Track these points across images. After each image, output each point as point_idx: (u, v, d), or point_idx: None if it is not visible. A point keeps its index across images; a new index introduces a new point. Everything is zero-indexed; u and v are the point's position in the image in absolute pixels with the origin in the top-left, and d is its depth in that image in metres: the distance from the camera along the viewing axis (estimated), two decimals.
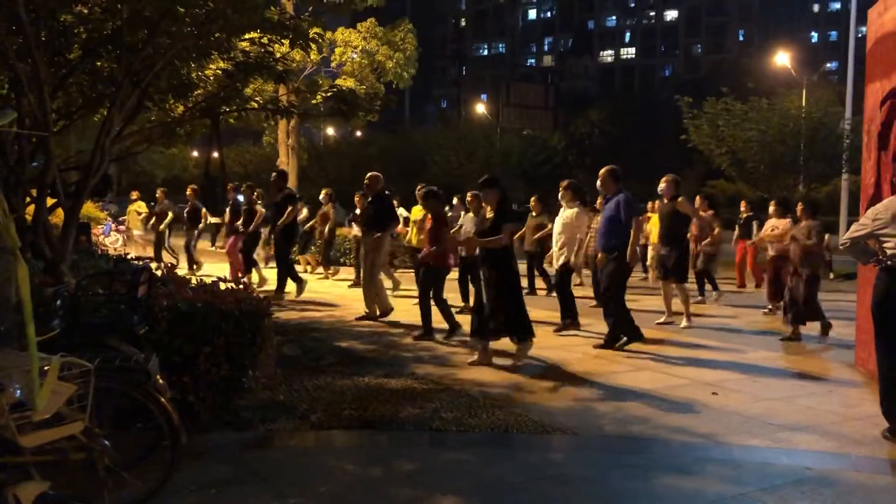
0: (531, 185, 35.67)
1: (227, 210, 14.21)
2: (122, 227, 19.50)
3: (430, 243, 8.84)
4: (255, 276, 13.12)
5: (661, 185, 9.87)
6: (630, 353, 8.17)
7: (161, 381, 3.94)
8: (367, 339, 8.65)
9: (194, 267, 14.95)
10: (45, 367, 2.94)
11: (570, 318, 9.48)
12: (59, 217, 7.32)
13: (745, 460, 4.90)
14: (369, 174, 10.50)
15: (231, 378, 5.06)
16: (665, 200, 9.96)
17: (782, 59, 31.34)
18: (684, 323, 9.97)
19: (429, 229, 8.93)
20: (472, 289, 10.23)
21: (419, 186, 10.79)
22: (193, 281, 5.75)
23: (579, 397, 6.34)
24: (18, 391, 2.86)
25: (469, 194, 11.17)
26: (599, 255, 8.49)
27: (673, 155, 38.77)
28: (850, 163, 20.19)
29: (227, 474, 4.39)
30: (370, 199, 10.47)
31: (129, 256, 8.18)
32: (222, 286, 5.47)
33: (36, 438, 2.98)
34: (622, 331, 8.32)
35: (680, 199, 9.78)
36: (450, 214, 13.87)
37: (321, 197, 15.47)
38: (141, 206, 18.51)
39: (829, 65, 52.24)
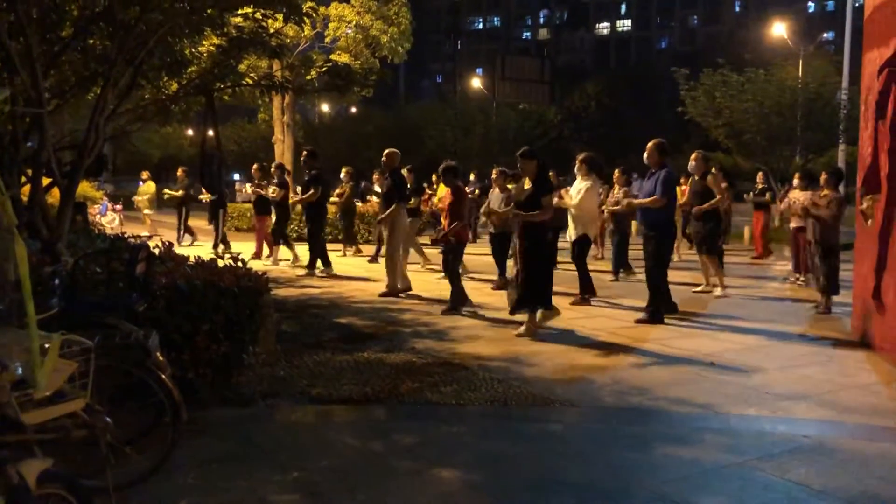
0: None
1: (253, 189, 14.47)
2: (118, 207, 19.53)
3: (448, 218, 8.87)
4: (287, 253, 13.27)
5: (691, 163, 10.10)
6: (630, 325, 8.21)
7: (161, 358, 3.95)
8: (367, 315, 8.67)
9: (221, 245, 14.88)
10: (46, 345, 2.94)
11: (587, 292, 9.64)
12: (54, 197, 7.29)
13: (742, 430, 4.94)
14: (387, 151, 10.48)
15: (231, 355, 5.07)
16: (696, 177, 10.10)
17: (779, 29, 31.15)
18: (718, 291, 10.19)
19: (448, 204, 8.94)
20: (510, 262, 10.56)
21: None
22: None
23: (578, 369, 6.37)
24: (20, 369, 2.87)
25: (494, 171, 11.21)
26: (641, 227, 8.64)
27: (670, 128, 38.63)
28: (847, 133, 20.14)
29: (229, 450, 4.42)
30: (387, 174, 10.46)
31: (125, 235, 8.17)
32: (220, 263, 5.47)
33: (38, 416, 2.99)
34: (659, 304, 8.39)
35: (711, 175, 10.14)
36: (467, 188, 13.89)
37: (342, 175, 15.48)
38: (150, 187, 18.64)
39: (826, 35, 51.82)
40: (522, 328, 7.64)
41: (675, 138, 36.49)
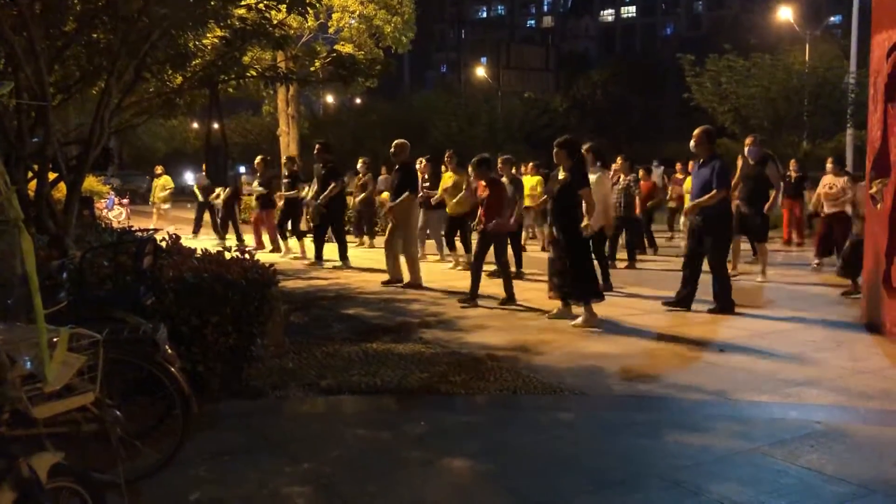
0: (534, 148, 35.44)
1: (256, 182, 14.46)
2: (124, 201, 19.60)
3: (488, 210, 8.78)
4: (282, 246, 13.29)
5: (748, 147, 9.88)
6: (638, 313, 8.18)
7: (170, 351, 3.94)
8: (375, 307, 8.66)
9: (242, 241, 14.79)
10: (54, 339, 2.93)
11: (606, 279, 9.59)
12: (61, 192, 7.30)
13: (753, 416, 4.92)
14: (396, 142, 10.36)
15: (240, 347, 5.08)
16: (751, 162, 9.91)
17: (785, 14, 30.90)
18: (760, 277, 10.14)
19: (486, 196, 8.84)
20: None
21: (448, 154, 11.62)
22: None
23: (587, 358, 6.35)
24: (28, 363, 2.86)
25: (500, 160, 11.19)
26: (696, 217, 8.22)
27: (676, 114, 38.49)
28: (855, 117, 20.04)
29: (240, 442, 4.42)
30: (396, 167, 10.35)
31: (132, 229, 8.18)
32: (227, 255, 5.46)
33: (48, 410, 2.99)
34: (727, 296, 8.16)
35: (772, 161, 9.92)
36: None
37: (358, 166, 15.40)
38: (167, 181, 18.64)
39: (832, 18, 51.48)
40: (580, 319, 7.54)
41: (681, 125, 36.38)
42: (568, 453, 4.26)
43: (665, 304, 8.40)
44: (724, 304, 8.12)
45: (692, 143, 8.31)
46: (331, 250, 12.25)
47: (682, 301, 8.28)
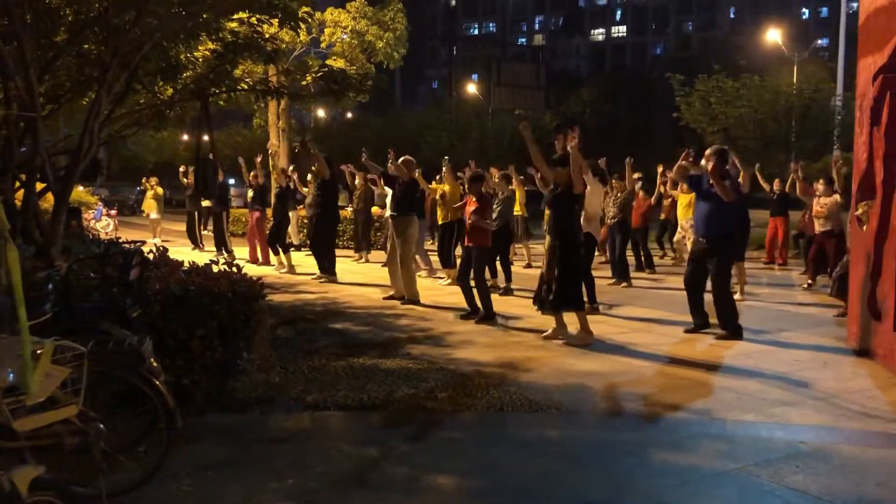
0: (524, 164, 35.54)
1: (251, 192, 14.44)
2: (112, 212, 19.53)
3: (473, 225, 8.79)
4: (274, 260, 13.22)
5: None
6: (624, 331, 8.19)
7: (155, 364, 3.92)
8: (362, 321, 8.64)
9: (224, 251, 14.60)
10: (38, 351, 2.92)
11: (593, 300, 9.46)
12: (48, 202, 7.26)
13: (739, 435, 4.93)
14: (403, 158, 10.41)
15: (225, 361, 5.05)
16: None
17: (773, 35, 31.25)
18: (738, 297, 10.01)
19: (472, 211, 8.84)
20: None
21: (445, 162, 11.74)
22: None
23: (574, 375, 6.35)
24: (11, 375, 2.85)
25: (496, 174, 11.25)
26: (700, 240, 8.03)
27: (665, 133, 38.71)
28: (842, 139, 20.23)
29: (224, 456, 4.39)
30: (400, 181, 10.32)
31: (120, 240, 8.14)
32: (215, 268, 5.44)
33: (30, 422, 2.97)
34: (734, 321, 7.92)
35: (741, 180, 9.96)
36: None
37: (357, 181, 15.39)
38: (159, 191, 18.61)
39: (820, 41, 52.08)
40: (550, 331, 7.66)
41: (671, 144, 36.61)
42: (554, 471, 4.26)
43: (687, 331, 8.13)
44: (732, 329, 7.84)
45: (703, 161, 8.10)
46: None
47: (703, 326, 8.08)
